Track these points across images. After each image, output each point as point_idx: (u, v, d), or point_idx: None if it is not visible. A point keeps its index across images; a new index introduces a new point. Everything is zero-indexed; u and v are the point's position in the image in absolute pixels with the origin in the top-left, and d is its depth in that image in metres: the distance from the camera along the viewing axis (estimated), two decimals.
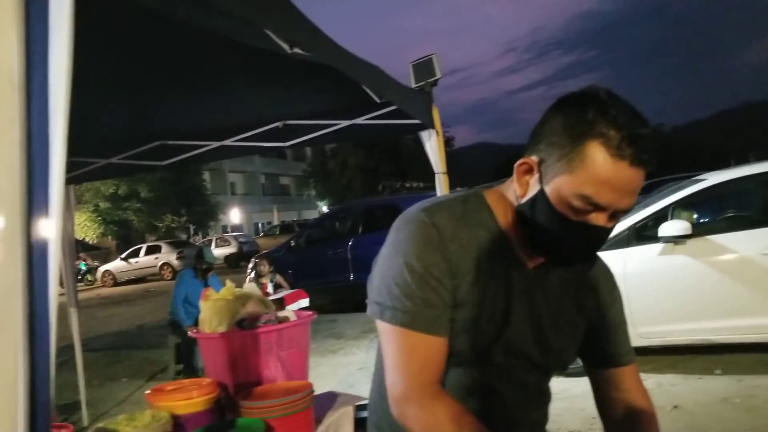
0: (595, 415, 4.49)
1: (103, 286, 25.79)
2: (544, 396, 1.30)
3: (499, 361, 1.16)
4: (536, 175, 1.07)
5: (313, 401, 2.35)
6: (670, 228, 4.91)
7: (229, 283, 2.71)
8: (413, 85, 4.39)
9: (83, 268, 27.48)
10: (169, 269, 24.95)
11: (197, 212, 32.86)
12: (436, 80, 4.49)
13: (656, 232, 5.01)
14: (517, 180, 1.11)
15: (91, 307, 16.63)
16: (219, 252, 28.81)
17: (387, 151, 35.59)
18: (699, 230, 5.04)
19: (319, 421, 2.38)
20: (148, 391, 2.35)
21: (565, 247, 1.10)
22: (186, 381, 2.52)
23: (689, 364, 5.08)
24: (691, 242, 4.90)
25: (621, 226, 5.31)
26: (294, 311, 2.86)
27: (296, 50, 2.26)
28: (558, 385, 4.92)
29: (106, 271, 26.45)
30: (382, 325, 1.11)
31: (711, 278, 4.83)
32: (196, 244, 26.88)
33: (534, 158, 1.07)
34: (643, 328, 4.98)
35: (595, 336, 1.30)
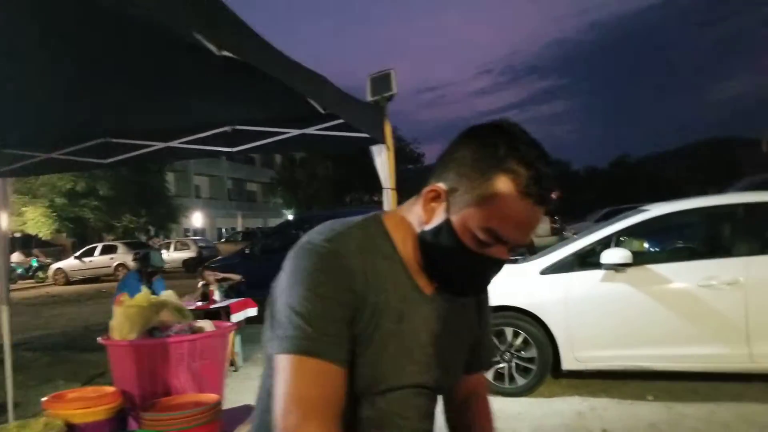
0: None
1: (55, 284, 25.19)
2: (431, 417, 1.27)
3: (401, 390, 1.13)
4: (443, 204, 1.07)
5: (224, 415, 2.29)
6: (611, 256, 4.98)
7: (144, 290, 2.64)
8: (369, 99, 4.37)
9: (35, 264, 26.87)
10: (125, 270, 24.37)
11: (158, 214, 32.22)
12: (392, 96, 4.47)
13: (599, 258, 5.06)
14: (424, 206, 1.10)
15: (39, 305, 16.23)
16: (177, 256, 28.40)
17: (357, 162, 35.54)
18: (640, 259, 5.13)
19: None
20: (44, 398, 2.26)
21: (464, 278, 1.11)
22: (89, 389, 2.43)
23: (623, 389, 5.14)
24: (631, 270, 4.98)
25: (566, 251, 5.38)
26: (213, 322, 2.78)
27: (224, 52, 2.22)
28: (493, 405, 4.99)
29: (58, 268, 25.92)
30: (280, 358, 1.03)
31: (649, 307, 4.91)
32: (155, 246, 26.40)
33: (443, 186, 1.07)
34: (581, 352, 5.04)
35: (474, 347, 1.32)
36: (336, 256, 1.05)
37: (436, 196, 1.08)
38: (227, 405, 2.74)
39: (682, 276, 4.93)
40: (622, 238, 5.53)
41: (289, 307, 1.04)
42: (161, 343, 2.40)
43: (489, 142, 1.02)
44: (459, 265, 1.08)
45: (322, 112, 3.43)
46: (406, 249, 1.14)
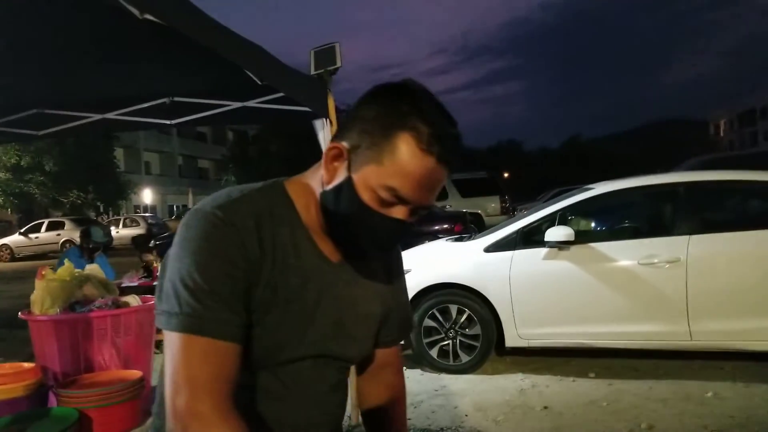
0: (467, 413, 4.54)
1: None
2: (342, 388, 1.25)
3: (303, 361, 1.11)
4: (345, 162, 1.04)
5: (151, 392, 2.21)
6: (555, 233, 5.00)
7: (67, 263, 2.53)
8: (312, 72, 4.27)
9: None
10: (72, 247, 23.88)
11: (106, 190, 31.60)
12: (336, 69, 4.37)
13: (543, 236, 5.09)
14: (326, 165, 1.07)
15: None
16: (127, 232, 27.90)
17: (310, 139, 35.06)
18: (583, 237, 5.17)
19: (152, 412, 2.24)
20: None
21: (364, 238, 1.07)
22: (7, 365, 2.33)
23: (566, 366, 5.21)
24: (574, 248, 5.01)
25: (510, 228, 5.39)
26: (141, 297, 2.69)
27: (147, 16, 2.12)
28: (436, 381, 5.06)
29: (3, 244, 25.40)
30: (167, 335, 0.98)
31: (591, 285, 4.95)
32: (103, 222, 25.88)
33: (345, 144, 1.04)
34: (524, 329, 5.08)
35: (385, 319, 1.29)
36: (226, 224, 1.00)
37: (338, 155, 1.05)
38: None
39: (624, 254, 4.97)
40: (570, 217, 5.57)
41: (176, 280, 0.99)
42: (83, 318, 2.32)
43: (392, 101, 1.01)
44: (360, 225, 1.05)
45: (259, 83, 3.31)
46: (310, 215, 1.11)
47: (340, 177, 1.04)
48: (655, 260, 4.80)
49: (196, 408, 0.94)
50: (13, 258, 24.57)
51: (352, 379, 1.49)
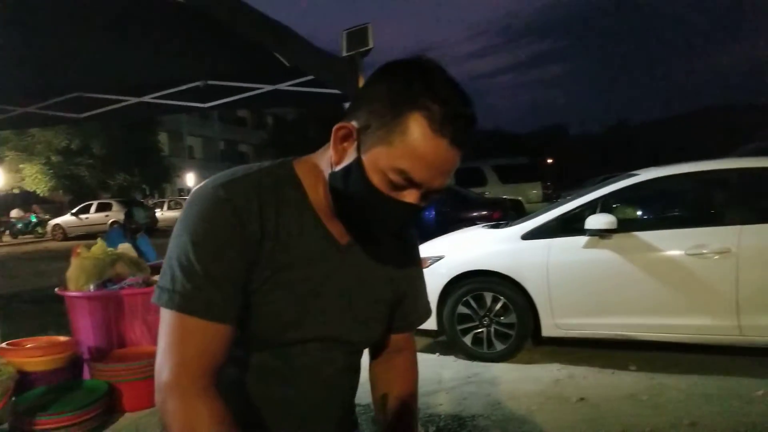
0: (499, 401, 4.45)
1: (53, 239, 25.73)
2: (352, 372, 1.24)
3: (308, 343, 1.11)
4: (354, 142, 0.99)
5: None
6: (596, 221, 4.85)
7: (100, 242, 2.56)
8: (344, 54, 4.22)
9: (33, 219, 27.29)
10: None
11: (151, 173, 32.38)
12: (368, 50, 4.32)
13: (583, 224, 4.94)
14: (334, 146, 1.03)
15: (36, 259, 16.30)
16: (171, 214, 28.63)
17: None
18: (626, 225, 5.00)
19: None
20: (1, 345, 2.25)
21: (373, 221, 1.04)
22: (44, 338, 2.40)
23: (606, 358, 5.05)
24: (617, 237, 4.85)
25: (549, 216, 5.26)
26: None
27: None
28: (469, 368, 4.98)
29: (56, 225, 26.48)
30: (161, 310, 1.00)
31: (634, 275, 4.79)
32: (148, 204, 26.58)
33: (354, 124, 1.00)
34: (562, 319, 4.96)
35: (399, 304, 1.28)
36: (226, 204, 0.99)
37: (347, 135, 1.01)
38: None
39: (670, 244, 4.78)
40: (613, 204, 5.40)
41: (173, 257, 1.00)
42: (115, 295, 2.39)
43: (403, 79, 0.96)
44: (369, 208, 1.01)
45: (287, 65, 3.27)
46: (318, 196, 1.09)
47: (349, 158, 1.00)
48: (704, 251, 4.60)
49: (178, 383, 0.95)
50: (66, 237, 25.38)
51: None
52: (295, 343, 1.09)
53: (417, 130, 0.93)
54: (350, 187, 1.00)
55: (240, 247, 0.99)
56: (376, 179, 0.98)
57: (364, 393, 1.33)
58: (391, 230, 1.08)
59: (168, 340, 0.98)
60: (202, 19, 2.57)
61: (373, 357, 1.36)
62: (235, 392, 1.09)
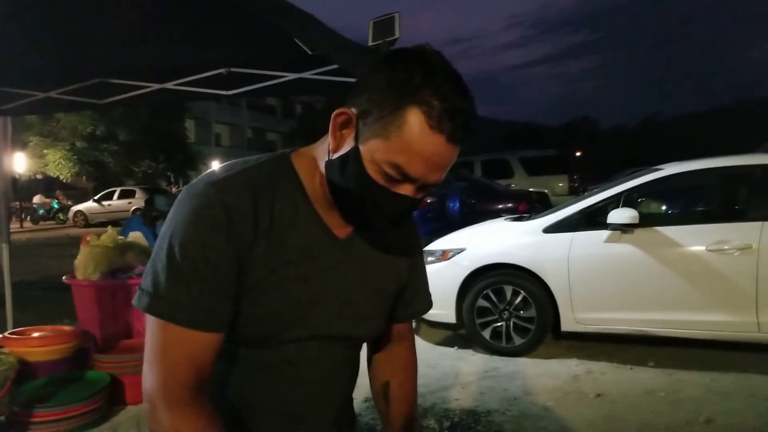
0: (516, 397, 4.43)
1: (75, 225, 25.71)
2: (350, 365, 1.22)
3: (308, 341, 1.09)
4: (353, 131, 0.97)
5: None
6: (618, 215, 4.80)
7: (111, 230, 2.56)
8: (370, 43, 4.19)
9: (56, 206, 27.36)
10: None
11: (177, 160, 32.45)
12: (395, 40, 4.29)
13: (605, 218, 4.88)
14: (332, 132, 1.00)
15: (56, 246, 16.47)
16: None
17: None
18: (648, 220, 4.95)
19: None
20: (4, 334, 2.23)
21: (369, 211, 1.02)
22: (49, 327, 2.39)
23: (624, 354, 5.01)
24: (639, 231, 4.80)
25: (572, 209, 5.20)
26: None
27: None
28: (488, 363, 4.96)
29: (78, 211, 26.43)
30: (147, 315, 0.97)
31: (654, 270, 4.74)
32: (171, 192, 26.66)
33: (354, 110, 0.97)
34: (582, 314, 4.91)
35: (401, 295, 1.26)
36: (217, 205, 0.96)
37: (347, 121, 0.98)
38: None
39: (692, 239, 4.72)
40: (638, 199, 5.33)
41: (157, 259, 0.97)
42: (122, 285, 2.36)
43: (405, 69, 0.93)
44: (365, 199, 0.99)
45: (309, 53, 3.25)
46: (315, 187, 1.07)
47: (347, 146, 0.98)
48: (725, 247, 4.55)
49: (164, 393, 0.94)
50: (87, 224, 25.40)
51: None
52: (293, 341, 1.07)
53: (415, 125, 0.90)
54: (346, 176, 0.98)
55: (230, 250, 0.96)
56: (371, 170, 0.95)
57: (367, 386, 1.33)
58: (387, 221, 1.05)
59: (152, 348, 0.95)
60: (225, 5, 2.55)
61: (372, 347, 1.35)
62: (231, 388, 1.08)
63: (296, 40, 3.13)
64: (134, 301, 0.98)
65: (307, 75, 4.20)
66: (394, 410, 1.27)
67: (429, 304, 1.35)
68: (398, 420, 1.26)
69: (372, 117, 0.94)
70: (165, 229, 0.99)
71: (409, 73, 0.92)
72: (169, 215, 1.01)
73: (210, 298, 0.95)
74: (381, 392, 1.29)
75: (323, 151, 1.05)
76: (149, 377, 0.95)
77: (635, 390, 4.24)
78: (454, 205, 10.93)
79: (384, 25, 4.35)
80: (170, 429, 0.93)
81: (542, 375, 4.61)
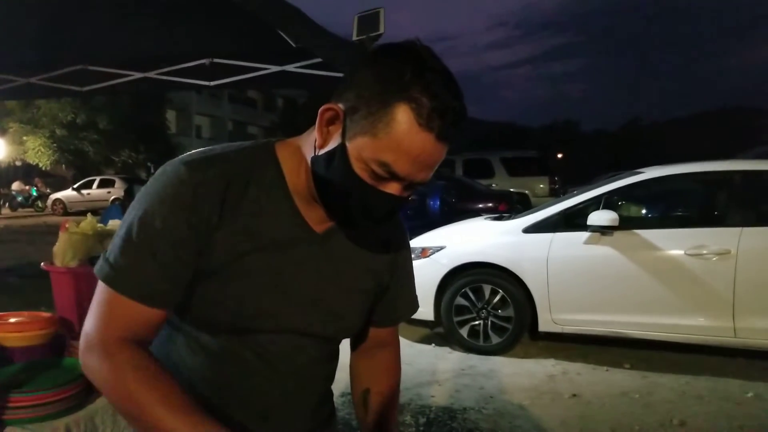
0: (492, 395, 4.44)
1: (53, 214, 25.45)
2: (326, 361, 1.19)
3: (277, 334, 1.07)
4: (340, 126, 0.95)
5: None
6: (598, 217, 4.82)
7: (89, 218, 2.51)
8: (354, 38, 4.18)
9: (34, 193, 27.10)
10: None
11: (157, 151, 32.20)
12: (379, 35, 4.28)
13: (585, 219, 4.91)
14: (319, 128, 0.98)
15: (34, 233, 16.28)
16: None
17: None
18: (628, 223, 4.99)
19: None
20: None
21: (354, 209, 0.99)
22: (26, 313, 2.35)
23: (601, 355, 5.05)
24: (618, 234, 4.83)
25: (552, 210, 5.22)
26: None
27: None
28: (464, 361, 4.97)
29: (57, 199, 26.25)
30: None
31: (633, 273, 4.77)
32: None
33: (341, 106, 0.95)
34: (559, 315, 4.94)
35: (382, 296, 1.23)
36: (186, 185, 0.96)
37: (334, 117, 0.96)
38: None
39: (671, 243, 4.76)
40: (620, 202, 5.37)
41: (122, 229, 0.97)
42: None
43: (395, 65, 0.91)
44: (351, 196, 0.97)
45: (293, 45, 3.23)
46: (299, 179, 1.04)
47: (334, 143, 0.96)
48: (704, 251, 4.59)
49: (100, 339, 0.94)
50: (66, 212, 25.16)
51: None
52: (262, 332, 1.05)
53: (403, 122, 0.89)
54: (332, 173, 0.96)
55: (188, 230, 0.95)
56: (358, 168, 0.94)
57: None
58: (372, 219, 1.02)
59: (96, 310, 0.96)
60: None
61: (354, 351, 1.32)
62: (203, 380, 1.06)
63: (280, 33, 3.10)
64: (95, 269, 0.98)
65: (290, 68, 4.19)
66: (372, 418, 1.24)
67: (413, 309, 1.32)
68: (376, 429, 1.24)
69: (360, 114, 0.92)
70: (134, 202, 0.99)
71: (399, 69, 0.90)
72: (142, 189, 1.01)
73: (158, 274, 0.94)
74: (361, 399, 1.26)
75: (309, 145, 1.02)
76: (85, 330, 0.96)
77: (610, 391, 4.27)
78: (435, 203, 10.95)
79: (369, 20, 4.33)
80: (111, 370, 0.92)
81: (518, 374, 4.63)
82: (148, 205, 0.96)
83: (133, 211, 0.97)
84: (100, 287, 0.96)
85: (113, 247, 0.96)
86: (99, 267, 0.97)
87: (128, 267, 0.94)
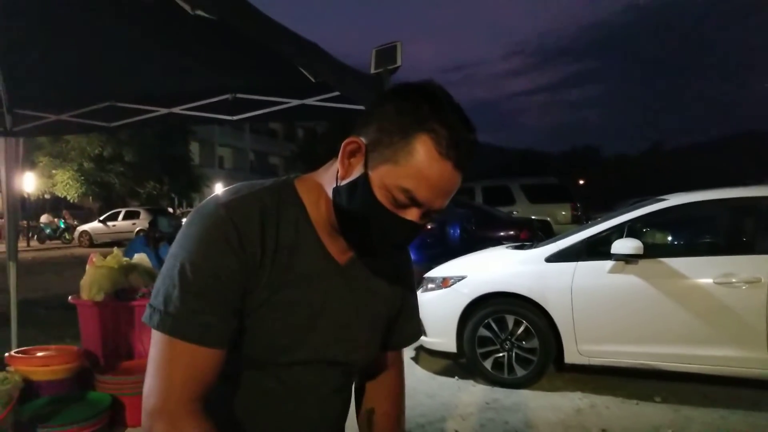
0: (518, 430, 4.36)
1: (80, 245, 25.90)
2: (346, 392, 1.26)
3: (305, 365, 1.11)
4: (362, 158, 1.02)
5: None
6: (622, 246, 4.75)
7: (116, 251, 2.56)
8: (372, 71, 4.23)
9: (62, 225, 27.58)
10: None
11: (181, 182, 32.73)
12: (396, 68, 4.33)
13: (609, 248, 4.84)
14: (341, 160, 1.05)
15: (61, 265, 16.52)
16: None
17: None
18: (653, 251, 4.90)
19: None
20: (8, 353, 2.24)
21: (376, 237, 1.05)
22: (54, 347, 2.39)
23: (630, 388, 4.93)
24: (643, 262, 4.75)
25: (575, 238, 5.17)
26: None
27: (198, 12, 2.12)
28: (489, 394, 4.90)
29: (83, 231, 26.68)
30: (153, 333, 1.00)
31: (660, 302, 4.67)
32: (175, 214, 26.82)
33: (363, 139, 1.02)
34: (586, 345, 4.85)
35: (394, 321, 1.29)
36: (228, 224, 0.99)
37: (356, 150, 1.03)
38: None
39: (698, 271, 4.66)
40: (644, 229, 5.29)
41: (167, 277, 1.00)
42: (125, 306, 2.40)
43: (413, 101, 0.99)
44: (373, 224, 1.03)
45: (313, 80, 3.29)
46: (320, 212, 1.10)
47: (356, 173, 1.02)
48: (733, 279, 4.48)
49: (165, 407, 0.95)
50: (92, 244, 25.59)
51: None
52: (290, 364, 1.09)
53: (424, 151, 0.96)
54: (355, 201, 1.02)
55: (239, 269, 0.99)
56: (380, 195, 1.00)
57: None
58: (392, 245, 1.08)
59: (157, 364, 0.97)
60: (232, 35, 2.63)
61: (361, 373, 1.35)
62: (226, 410, 1.09)
63: (300, 68, 3.15)
64: (144, 318, 1.00)
65: (310, 101, 4.25)
66: None
67: (418, 333, 1.38)
68: None
69: (382, 144, 0.99)
70: (175, 248, 1.01)
71: (417, 104, 0.98)
72: (179, 235, 1.03)
73: (218, 314, 0.98)
74: (365, 419, 1.31)
75: (329, 178, 1.09)
76: (152, 395, 0.96)
77: (641, 426, 4.16)
78: (455, 232, 10.89)
79: (386, 54, 4.38)
80: None
81: (544, 408, 4.53)
82: (196, 249, 0.98)
83: (179, 257, 0.99)
84: (161, 341, 0.97)
85: (167, 297, 0.97)
86: (159, 320, 0.97)
87: (190, 313, 0.96)
